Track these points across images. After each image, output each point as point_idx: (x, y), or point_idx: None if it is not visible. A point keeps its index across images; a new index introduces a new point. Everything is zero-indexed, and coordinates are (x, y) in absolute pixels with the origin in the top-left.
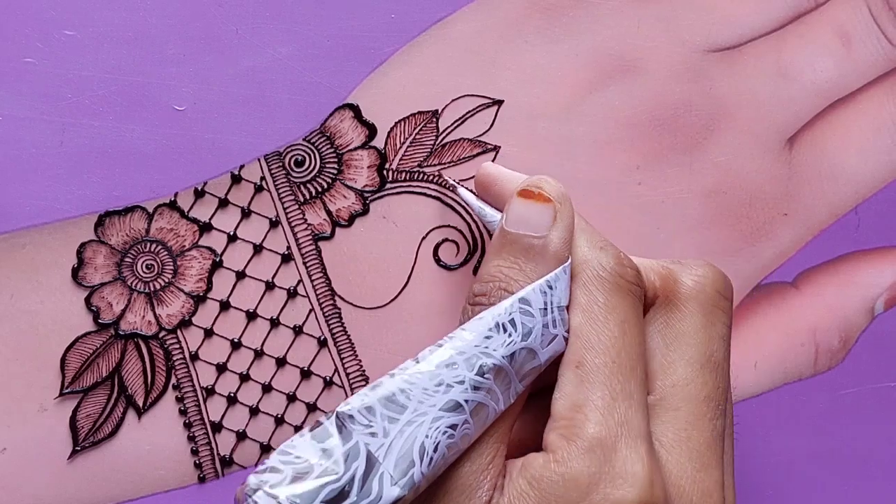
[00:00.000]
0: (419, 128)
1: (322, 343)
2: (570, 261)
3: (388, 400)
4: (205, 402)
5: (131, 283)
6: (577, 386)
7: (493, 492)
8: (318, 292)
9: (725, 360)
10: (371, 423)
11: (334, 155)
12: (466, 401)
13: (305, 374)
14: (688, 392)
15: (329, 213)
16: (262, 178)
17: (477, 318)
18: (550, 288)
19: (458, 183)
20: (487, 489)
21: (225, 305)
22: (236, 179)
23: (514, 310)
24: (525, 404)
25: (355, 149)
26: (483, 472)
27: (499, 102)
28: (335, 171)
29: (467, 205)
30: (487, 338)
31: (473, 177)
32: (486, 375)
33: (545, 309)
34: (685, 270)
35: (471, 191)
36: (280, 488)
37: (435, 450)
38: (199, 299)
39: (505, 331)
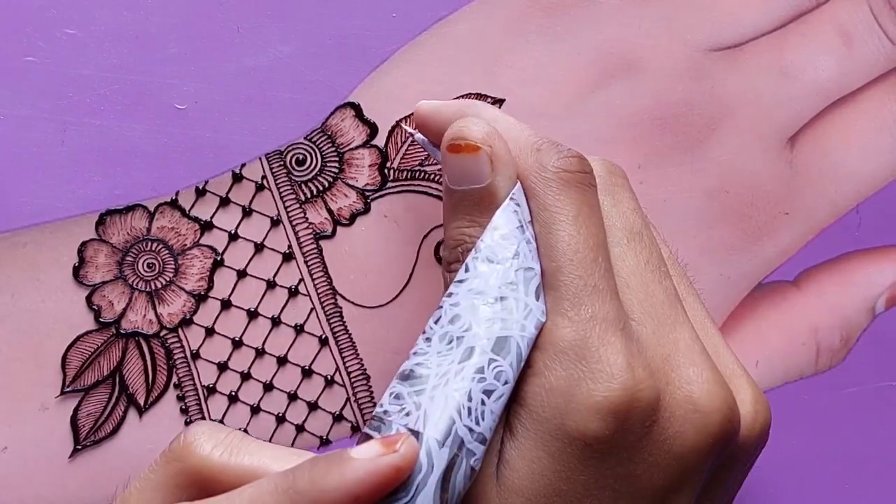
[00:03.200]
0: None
1: (323, 342)
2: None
3: (408, 378)
4: (206, 400)
5: (132, 282)
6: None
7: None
8: (319, 291)
9: (646, 227)
10: (403, 406)
11: (335, 154)
12: (482, 342)
13: (306, 372)
14: (627, 266)
15: (330, 211)
16: (264, 177)
17: (462, 268)
18: (518, 206)
19: (415, 130)
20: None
21: (226, 304)
22: (237, 178)
23: (492, 240)
24: None
25: (356, 147)
26: None
27: (500, 101)
28: (336, 170)
29: (424, 148)
30: (476, 278)
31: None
32: (490, 311)
33: (521, 227)
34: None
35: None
36: None
37: (469, 399)
38: (200, 298)
39: (491, 262)
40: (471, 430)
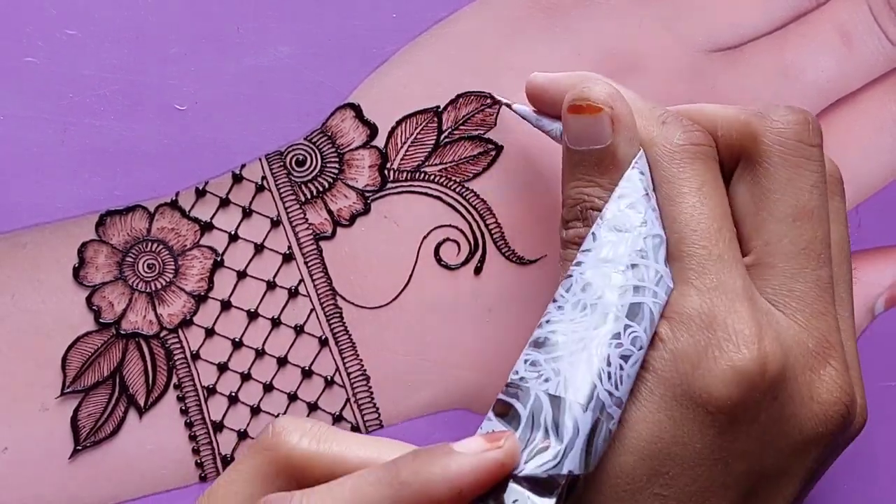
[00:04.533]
0: (420, 127)
1: (323, 342)
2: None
3: (542, 345)
4: (206, 401)
5: (132, 283)
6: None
7: None
8: (319, 292)
9: (821, 206)
10: (541, 373)
11: (335, 154)
12: (616, 309)
13: (306, 373)
14: (781, 248)
15: (330, 212)
16: (264, 178)
17: (589, 237)
18: (642, 174)
19: (511, 102)
20: None
21: (226, 305)
22: (237, 179)
23: (619, 208)
24: None
25: (356, 148)
26: None
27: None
28: (336, 171)
29: (526, 119)
30: (605, 246)
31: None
32: (622, 278)
33: (647, 195)
34: (765, 122)
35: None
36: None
37: (608, 363)
38: (200, 299)
39: (619, 230)
40: (611, 394)
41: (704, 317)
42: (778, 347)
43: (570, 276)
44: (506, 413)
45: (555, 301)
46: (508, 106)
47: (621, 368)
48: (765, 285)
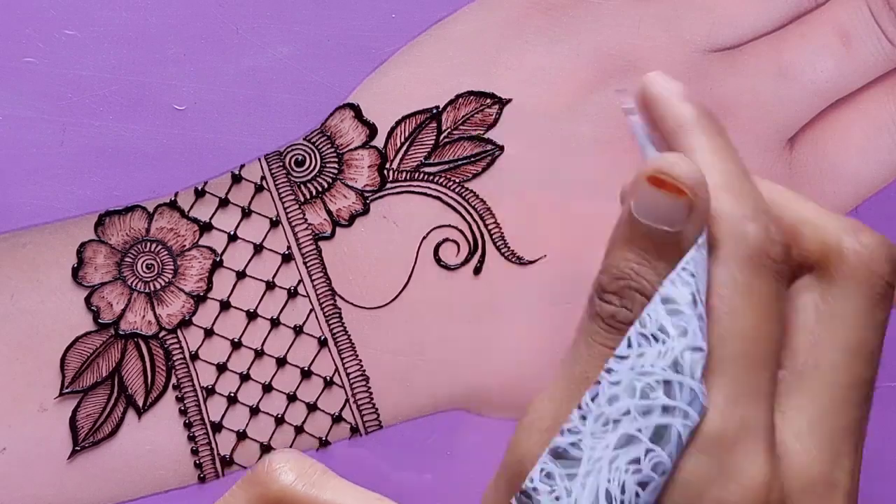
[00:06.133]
0: (420, 127)
1: (322, 343)
2: (704, 237)
3: (561, 458)
4: (205, 401)
5: (131, 283)
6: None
7: None
8: (318, 292)
9: (879, 347)
10: (553, 488)
11: (335, 154)
12: (640, 430)
13: (306, 373)
14: (833, 378)
15: (329, 212)
16: (263, 178)
17: (624, 343)
18: (693, 276)
19: (632, 110)
20: None
21: (225, 305)
22: (237, 179)
23: (660, 314)
24: None
25: (356, 148)
26: None
27: (505, 102)
28: (335, 171)
29: (634, 132)
30: (640, 356)
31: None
32: (651, 395)
33: (694, 302)
34: (849, 242)
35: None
36: None
37: (623, 491)
38: (199, 299)
39: (657, 340)
40: None
41: (723, 447)
42: (782, 499)
43: (599, 383)
44: None
45: (580, 408)
46: (627, 112)
47: (637, 496)
48: (800, 412)
